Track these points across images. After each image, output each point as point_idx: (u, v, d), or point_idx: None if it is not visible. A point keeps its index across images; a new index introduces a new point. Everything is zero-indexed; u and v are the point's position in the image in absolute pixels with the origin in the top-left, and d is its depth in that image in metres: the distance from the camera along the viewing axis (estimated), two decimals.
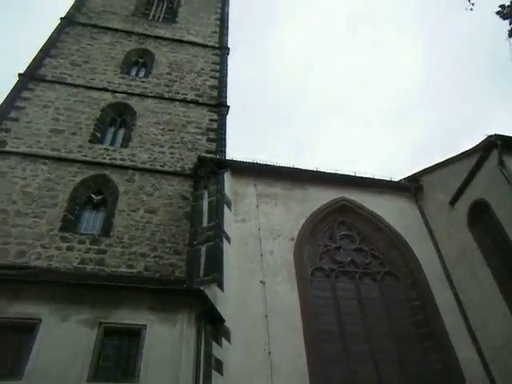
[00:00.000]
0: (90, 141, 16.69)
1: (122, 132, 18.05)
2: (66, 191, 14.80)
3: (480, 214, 13.89)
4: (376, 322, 12.98)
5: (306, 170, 15.36)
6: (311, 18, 68.62)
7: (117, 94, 18.90)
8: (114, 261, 13.47)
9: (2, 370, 8.09)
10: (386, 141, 62.53)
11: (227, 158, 15.86)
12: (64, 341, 8.48)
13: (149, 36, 22.58)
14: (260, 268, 12.51)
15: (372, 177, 16.15)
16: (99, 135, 17.29)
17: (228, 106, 19.84)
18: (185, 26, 24.26)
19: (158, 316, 9.17)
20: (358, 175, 16.12)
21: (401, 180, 16.78)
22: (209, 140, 18.09)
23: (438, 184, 15.69)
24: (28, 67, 18.62)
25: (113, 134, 17.94)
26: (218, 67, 22.03)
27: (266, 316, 11.54)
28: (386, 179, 16.35)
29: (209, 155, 16.21)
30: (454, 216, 14.69)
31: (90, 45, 20.82)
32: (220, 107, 19.61)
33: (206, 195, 13.08)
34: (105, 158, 16.26)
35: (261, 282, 12.21)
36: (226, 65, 22.55)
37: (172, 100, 19.45)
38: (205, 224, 12.14)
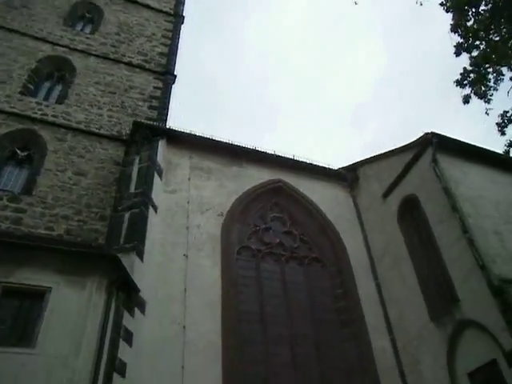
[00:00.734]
0: (20, 92, 15.80)
1: (58, 88, 17.20)
2: None
3: (410, 210, 14.36)
4: (298, 306, 13.21)
5: (243, 147, 15.28)
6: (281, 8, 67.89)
7: (57, 47, 17.94)
8: (33, 221, 12.90)
9: None
10: (339, 138, 63.59)
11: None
12: None
13: None
14: (185, 241, 12.37)
15: (310, 162, 16.30)
16: (32, 88, 16.39)
17: (175, 76, 19.35)
18: None
19: (67, 279, 8.81)
20: (296, 158, 16.22)
21: (339, 169, 17.05)
22: (151, 108, 17.62)
23: (374, 176, 16.08)
24: None
25: (48, 88, 17.04)
26: (170, 34, 21.38)
27: (185, 290, 11.45)
28: (324, 166, 16.56)
29: (147, 121, 15.78)
30: (385, 209, 15.12)
31: None
32: (167, 75, 19.10)
33: (137, 161, 12.74)
34: (35, 113, 15.44)
35: (184, 255, 12.08)
36: (179, 33, 21.96)
37: (117, 62, 18.71)
38: (132, 190, 11.83)
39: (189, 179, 13.83)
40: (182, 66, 61.45)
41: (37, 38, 17.71)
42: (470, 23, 9.42)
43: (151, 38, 20.77)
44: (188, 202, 13.26)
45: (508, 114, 9.91)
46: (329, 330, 13.09)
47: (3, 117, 14.74)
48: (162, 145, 13.63)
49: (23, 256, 8.66)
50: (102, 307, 8.77)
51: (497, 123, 10.09)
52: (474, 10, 9.23)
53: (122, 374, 8.80)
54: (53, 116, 15.60)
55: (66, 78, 17.40)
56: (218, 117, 63.62)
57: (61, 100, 16.46)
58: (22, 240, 9.48)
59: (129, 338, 9.47)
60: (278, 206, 15.11)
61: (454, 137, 13.77)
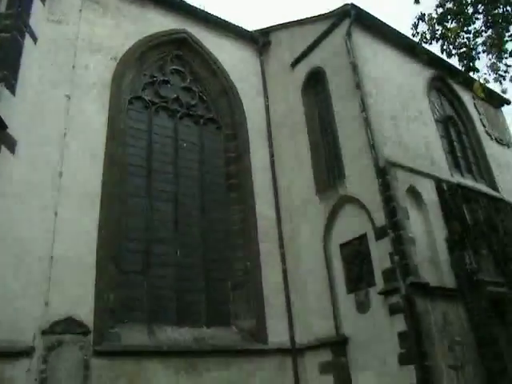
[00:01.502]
0: None
1: None
2: None
3: (315, 83, 14.39)
4: (188, 166, 13.18)
5: None
6: None
7: None
8: None
9: None
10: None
11: None
12: None
13: None
14: (69, 81, 11.29)
15: (222, 17, 15.27)
16: None
17: None
18: None
19: None
20: (208, 11, 15.08)
21: (252, 31, 16.23)
22: None
23: (286, 43, 15.60)
24: None
25: None
26: None
27: (65, 134, 10.73)
28: (236, 25, 15.63)
29: None
30: (292, 79, 15.00)
31: None
32: None
33: None
34: None
35: (66, 96, 11.11)
36: None
37: None
38: (2, 10, 10.21)
39: (80, 11, 12.26)
40: None
41: None
42: None
43: None
44: (77, 38, 11.88)
45: None
46: (216, 193, 13.39)
47: None
48: None
49: None
50: None
51: None
52: None
53: None
54: None
55: None
56: None
57: None
58: None
59: None
60: (179, 59, 14.22)
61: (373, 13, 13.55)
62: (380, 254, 10.94)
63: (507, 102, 19.14)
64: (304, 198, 13.51)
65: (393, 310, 10.41)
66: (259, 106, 14.99)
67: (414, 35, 10.32)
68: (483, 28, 8.86)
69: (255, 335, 12.09)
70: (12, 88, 9.54)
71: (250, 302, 12.44)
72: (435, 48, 10.46)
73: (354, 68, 12.58)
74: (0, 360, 8.41)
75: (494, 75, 8.19)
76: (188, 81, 14.13)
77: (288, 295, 12.92)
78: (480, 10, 8.80)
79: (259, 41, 15.97)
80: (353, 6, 13.12)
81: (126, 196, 11.57)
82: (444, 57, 9.90)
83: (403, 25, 17.15)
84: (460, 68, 10.10)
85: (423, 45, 10.35)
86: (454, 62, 10.64)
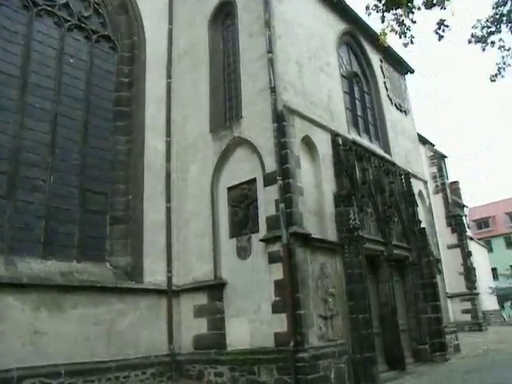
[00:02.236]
0: None
1: None
2: None
3: (225, 15, 13.76)
4: (73, 84, 11.97)
5: None
6: None
7: None
8: None
9: None
10: None
11: None
12: None
13: None
14: None
15: None
16: None
17: None
18: None
19: None
20: None
21: None
22: None
23: None
24: None
25: None
26: None
27: None
28: None
29: None
30: (201, 6, 14.12)
31: None
32: None
33: None
34: None
35: None
36: None
37: None
38: None
39: None
40: None
41: None
42: None
43: None
44: None
45: None
46: (102, 119, 12.41)
47: None
48: None
49: None
50: None
51: None
52: None
53: None
54: None
55: None
56: None
57: None
58: None
59: None
60: None
61: None
62: (266, 201, 10.85)
63: (411, 71, 19.75)
64: (198, 135, 12.99)
65: (272, 258, 10.44)
66: (162, 31, 13.96)
67: None
68: None
69: (130, 273, 11.65)
70: None
71: (127, 239, 11.87)
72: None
73: (266, 5, 12.00)
74: None
75: (400, 28, 8.11)
76: None
77: (170, 234, 12.55)
78: None
79: None
80: None
81: None
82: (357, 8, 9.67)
83: None
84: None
85: None
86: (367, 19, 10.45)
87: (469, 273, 27.65)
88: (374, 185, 13.70)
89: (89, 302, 10.48)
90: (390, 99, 16.97)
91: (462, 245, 28.09)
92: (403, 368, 12.37)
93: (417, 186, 16.72)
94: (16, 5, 11.02)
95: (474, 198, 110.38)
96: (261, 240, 10.71)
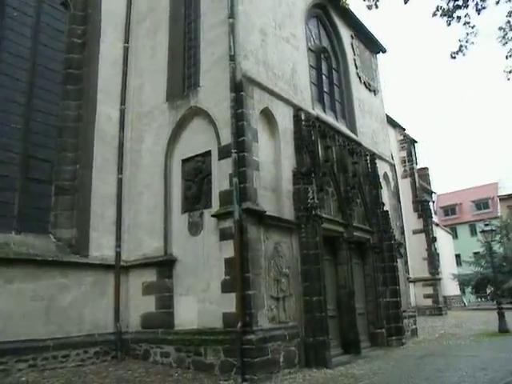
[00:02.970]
0: None
1: None
2: None
3: None
4: (17, 41, 11.02)
5: None
6: None
7: None
8: None
9: None
10: None
11: None
12: None
13: None
14: None
15: None
16: None
17: None
18: None
19: None
20: None
21: None
22: None
23: None
24: None
25: None
26: None
27: None
28: None
29: None
30: None
31: None
32: None
33: None
34: None
35: None
36: None
37: None
38: None
39: None
40: None
41: None
42: None
43: None
44: None
45: None
46: (49, 82, 11.53)
47: None
48: None
49: None
50: None
51: None
52: None
53: None
54: None
55: None
56: None
57: None
58: None
59: None
60: None
61: None
62: (220, 175, 10.27)
63: (383, 51, 19.25)
64: (154, 104, 12.26)
65: (223, 235, 9.92)
66: None
67: None
68: None
69: (75, 247, 10.97)
70: None
71: (73, 211, 11.16)
72: None
73: None
74: None
75: None
76: None
77: (120, 207, 11.86)
78: None
79: None
80: None
81: None
82: None
83: None
84: None
85: None
86: None
87: (432, 258, 27.78)
88: (336, 164, 13.25)
89: (27, 277, 9.79)
90: (359, 77, 16.46)
91: (427, 230, 28.16)
92: (358, 352, 12.10)
93: (382, 168, 16.37)
94: None
95: (443, 185, 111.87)
96: (212, 215, 10.16)
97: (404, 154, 29.23)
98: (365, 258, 14.34)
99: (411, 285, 25.90)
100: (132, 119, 12.58)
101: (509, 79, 10.46)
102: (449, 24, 8.95)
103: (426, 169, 37.24)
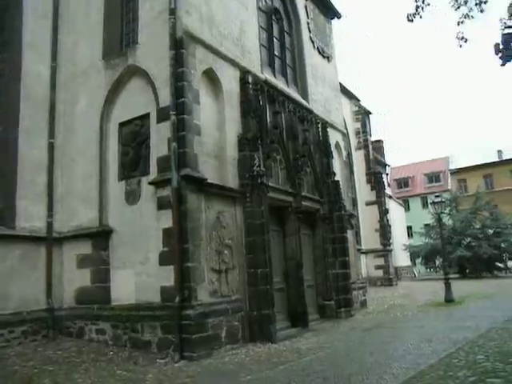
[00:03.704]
0: None
1: None
2: None
3: None
4: None
5: None
6: None
7: None
8: None
9: None
10: None
11: None
12: None
13: None
14: None
15: None
16: None
17: None
18: None
19: None
20: None
21: None
22: None
23: None
24: None
25: None
26: None
27: None
28: None
29: None
30: None
31: None
32: None
33: None
34: None
35: None
36: None
37: None
38: None
39: None
40: None
41: None
42: None
43: None
44: None
45: None
46: None
47: None
48: None
49: None
50: None
51: None
52: None
53: None
54: None
55: None
56: None
57: None
58: None
59: None
60: None
61: None
62: (159, 139, 9.52)
63: (338, 16, 18.61)
64: (89, 62, 11.28)
65: (161, 204, 9.23)
66: None
67: None
68: None
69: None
70: None
71: None
72: None
73: None
74: None
75: None
76: None
77: (52, 174, 10.94)
78: None
79: None
80: None
81: None
82: None
83: None
84: None
85: None
86: None
87: (384, 230, 27.97)
88: (286, 131, 12.68)
89: None
90: (313, 42, 15.82)
91: (379, 202, 28.27)
92: (306, 325, 11.81)
93: (334, 137, 15.94)
94: None
95: (396, 158, 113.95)
96: (150, 183, 9.43)
97: (358, 125, 29.01)
98: (314, 229, 13.98)
99: (363, 256, 26.08)
100: (66, 79, 11.54)
101: (461, 46, 10.06)
102: None
103: (380, 141, 37.35)
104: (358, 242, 24.37)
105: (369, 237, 27.63)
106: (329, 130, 15.17)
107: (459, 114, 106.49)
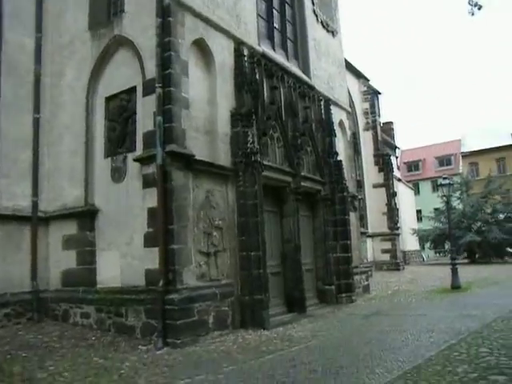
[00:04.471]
0: None
1: None
2: None
3: None
4: None
5: None
6: None
7: None
8: None
9: None
10: None
11: None
12: None
13: None
14: None
15: None
16: None
17: None
18: None
19: None
20: None
21: None
22: None
23: None
24: None
25: None
26: None
27: None
28: None
29: None
30: None
31: None
32: None
33: None
34: None
35: None
36: None
37: None
38: None
39: None
40: None
41: None
42: None
43: None
44: None
45: None
46: None
47: None
48: None
49: None
50: None
51: None
52: None
53: None
54: None
55: None
56: None
57: None
58: None
59: None
60: None
61: None
62: (144, 114, 8.93)
63: None
64: (75, 33, 10.64)
65: (146, 182, 8.67)
66: None
67: None
68: None
69: None
70: None
71: None
72: None
73: None
74: None
75: None
76: None
77: (37, 151, 10.40)
78: None
79: None
80: None
81: None
82: None
83: None
84: None
85: None
86: None
87: (392, 213, 27.27)
88: (285, 107, 12.01)
89: None
90: (316, 15, 14.99)
91: (387, 184, 27.50)
92: (303, 310, 11.30)
93: (338, 115, 15.20)
94: None
95: (407, 141, 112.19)
96: (134, 160, 8.87)
97: (367, 105, 28.12)
98: (315, 211, 13.36)
99: (369, 240, 25.45)
100: (52, 51, 10.93)
101: (473, 14, 9.25)
102: None
103: (390, 123, 36.47)
104: (364, 225, 23.75)
105: (376, 220, 26.96)
106: (332, 107, 14.43)
107: (473, 94, 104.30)
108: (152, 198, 8.44)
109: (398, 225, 28.20)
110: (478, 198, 33.55)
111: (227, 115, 10.00)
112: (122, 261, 9.11)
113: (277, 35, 13.00)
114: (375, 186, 27.44)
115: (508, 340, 7.10)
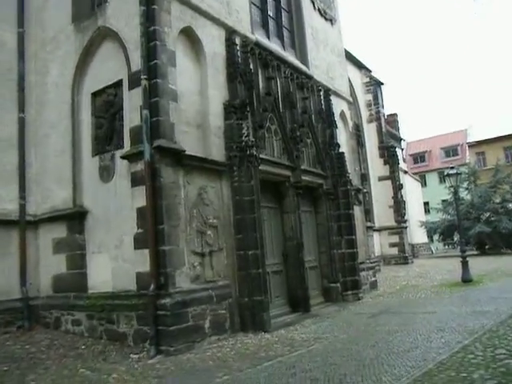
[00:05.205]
0: None
1: None
2: None
3: None
4: None
5: None
6: None
7: None
8: None
9: None
10: None
11: None
12: None
13: None
14: None
15: None
16: None
17: None
18: None
19: None
20: None
21: None
22: None
23: None
24: None
25: None
26: None
27: None
28: None
29: None
30: None
31: None
32: None
33: None
34: None
35: None
36: None
37: None
38: None
39: None
40: None
41: None
42: None
43: None
44: None
45: None
46: None
47: None
48: None
49: None
50: None
51: None
52: None
53: None
54: None
55: None
56: None
57: None
58: None
59: None
60: None
61: None
62: (131, 108, 8.43)
63: None
64: (58, 27, 10.15)
65: (135, 180, 8.17)
66: None
67: None
68: None
69: None
70: None
71: None
72: None
73: None
74: None
75: None
76: None
77: (23, 152, 9.93)
78: None
79: None
80: None
81: None
82: None
83: None
84: None
85: None
86: None
87: (398, 206, 26.64)
88: (282, 98, 11.45)
89: None
90: (313, 2, 14.39)
91: (393, 177, 26.87)
92: (307, 310, 10.79)
93: (339, 106, 14.61)
94: None
95: (412, 133, 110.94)
96: (122, 157, 8.37)
97: (370, 97, 27.44)
98: (317, 206, 12.81)
99: (376, 234, 24.83)
100: (36, 47, 10.45)
101: None
102: None
103: (394, 115, 35.74)
104: (371, 219, 23.11)
105: (382, 213, 26.35)
106: (332, 97, 13.85)
107: (478, 82, 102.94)
108: (141, 197, 7.94)
109: (406, 218, 27.55)
110: (486, 188, 32.80)
111: (220, 107, 9.46)
112: (113, 264, 8.64)
113: (271, 23, 12.45)
114: (381, 179, 26.82)
115: None
